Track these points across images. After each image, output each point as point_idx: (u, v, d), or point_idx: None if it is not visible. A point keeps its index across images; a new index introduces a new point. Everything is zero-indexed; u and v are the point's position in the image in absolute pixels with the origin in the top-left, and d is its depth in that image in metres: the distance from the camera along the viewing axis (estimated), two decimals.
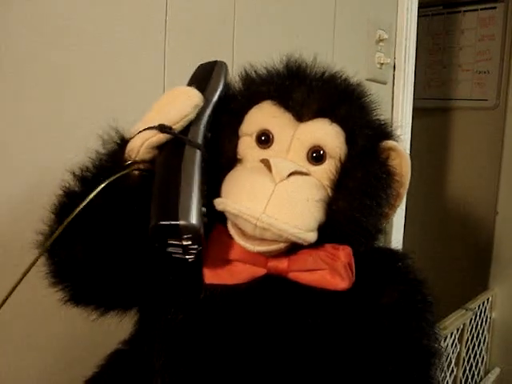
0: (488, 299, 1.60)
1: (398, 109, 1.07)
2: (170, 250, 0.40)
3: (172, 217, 0.37)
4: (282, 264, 0.45)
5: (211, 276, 0.44)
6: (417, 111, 1.29)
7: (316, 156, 0.45)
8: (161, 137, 0.42)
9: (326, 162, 0.45)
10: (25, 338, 0.62)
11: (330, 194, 0.45)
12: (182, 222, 0.37)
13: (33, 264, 0.37)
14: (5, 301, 0.37)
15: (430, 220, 1.83)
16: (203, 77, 0.48)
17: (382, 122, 0.50)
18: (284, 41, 0.83)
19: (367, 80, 1.02)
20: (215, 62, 0.51)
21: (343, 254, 0.45)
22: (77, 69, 0.62)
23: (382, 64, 1.05)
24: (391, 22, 1.08)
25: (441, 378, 0.49)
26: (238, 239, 0.44)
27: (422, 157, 1.76)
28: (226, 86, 0.49)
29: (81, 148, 0.46)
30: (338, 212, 0.44)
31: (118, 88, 0.66)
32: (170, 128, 0.42)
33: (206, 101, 0.45)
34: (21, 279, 0.36)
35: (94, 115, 0.62)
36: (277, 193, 0.41)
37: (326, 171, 0.45)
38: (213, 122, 0.46)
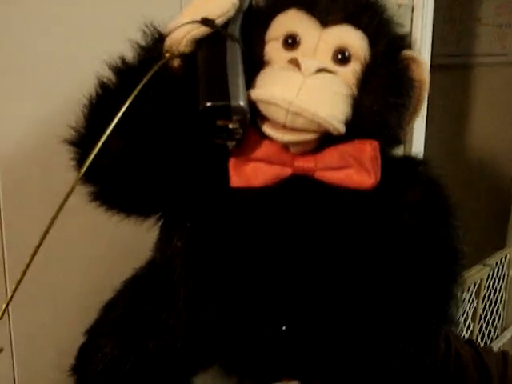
0: (506, 256, 1.58)
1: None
2: (215, 135, 0.42)
3: (224, 98, 0.40)
4: (308, 163, 0.46)
5: (237, 179, 0.45)
6: (435, 68, 1.26)
7: (341, 57, 0.47)
8: (203, 30, 0.43)
9: (351, 62, 0.47)
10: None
11: (356, 93, 0.46)
12: (233, 103, 0.40)
13: (72, 189, 0.38)
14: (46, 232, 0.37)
15: (449, 178, 1.81)
16: None
17: (402, 34, 0.53)
18: None
19: None
20: None
21: (370, 147, 0.46)
22: None
23: (400, 5, 1.02)
24: None
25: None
26: (269, 130, 0.45)
27: (440, 115, 1.72)
28: None
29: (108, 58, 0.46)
30: (364, 108, 0.46)
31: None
32: (213, 22, 0.43)
33: (240, 3, 0.46)
34: (60, 207, 0.37)
35: (115, 31, 0.62)
36: (307, 83, 0.43)
37: (351, 71, 0.47)
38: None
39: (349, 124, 0.45)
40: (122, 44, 0.45)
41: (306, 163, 0.46)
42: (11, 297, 0.36)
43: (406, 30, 1.06)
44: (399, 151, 0.55)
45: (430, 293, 0.46)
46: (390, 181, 0.47)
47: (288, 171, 0.46)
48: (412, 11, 1.06)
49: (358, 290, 0.45)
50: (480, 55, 1.75)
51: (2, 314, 0.35)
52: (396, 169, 0.49)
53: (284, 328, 0.44)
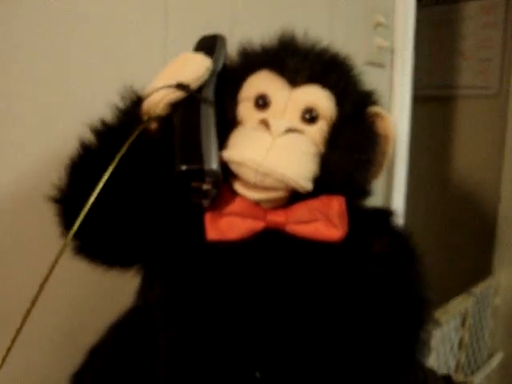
0: (491, 285, 1.60)
1: (396, 92, 1.08)
2: (191, 194, 0.45)
3: (198, 162, 0.42)
4: (279, 217, 0.48)
5: (213, 232, 0.47)
6: (419, 99, 1.30)
7: (309, 117, 0.49)
8: (179, 94, 0.45)
9: (319, 122, 0.49)
10: None
11: (323, 152, 0.49)
12: (206, 167, 0.42)
13: (60, 255, 0.40)
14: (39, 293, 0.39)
15: (434, 207, 1.84)
16: (208, 46, 0.52)
17: (368, 91, 0.55)
18: (281, 23, 0.85)
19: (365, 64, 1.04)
20: (216, 36, 0.54)
21: (337, 203, 0.48)
22: (80, 48, 0.65)
23: (380, 48, 1.07)
24: (389, 5, 1.10)
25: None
26: (241, 189, 0.47)
27: (424, 145, 1.77)
28: (226, 57, 0.53)
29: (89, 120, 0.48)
30: (331, 166, 0.48)
31: (121, 64, 0.69)
32: (188, 86, 0.45)
33: (214, 66, 0.49)
34: (51, 269, 0.39)
35: (97, 93, 0.65)
36: (276, 145, 0.46)
37: (318, 130, 0.49)
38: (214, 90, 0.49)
39: (316, 180, 0.47)
40: (104, 106, 0.48)
41: (277, 217, 0.48)
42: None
43: (386, 71, 1.11)
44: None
45: (398, 341, 0.48)
46: (359, 232, 0.49)
47: (261, 225, 0.48)
48: (392, 53, 1.10)
49: (327, 339, 0.47)
50: (463, 87, 1.81)
51: None
52: (364, 220, 0.51)
53: (258, 375, 0.46)
